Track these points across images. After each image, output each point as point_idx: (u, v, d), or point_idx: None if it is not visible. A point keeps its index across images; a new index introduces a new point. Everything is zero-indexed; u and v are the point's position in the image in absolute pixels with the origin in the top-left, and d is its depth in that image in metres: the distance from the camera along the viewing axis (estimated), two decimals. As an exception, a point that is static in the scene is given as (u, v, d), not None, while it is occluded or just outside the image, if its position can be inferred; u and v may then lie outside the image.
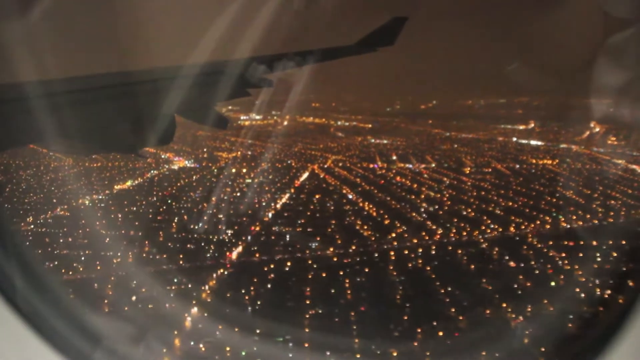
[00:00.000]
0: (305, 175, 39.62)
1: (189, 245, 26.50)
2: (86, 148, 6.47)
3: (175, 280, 23.00)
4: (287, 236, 27.61)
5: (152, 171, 40.84)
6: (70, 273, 23.82)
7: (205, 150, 48.40)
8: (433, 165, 43.07)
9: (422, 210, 31.70)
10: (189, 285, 22.58)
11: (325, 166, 42.51)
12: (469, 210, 31.51)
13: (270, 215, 30.91)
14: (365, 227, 28.61)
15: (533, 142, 51.48)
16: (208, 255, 25.66)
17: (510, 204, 32.63)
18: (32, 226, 29.44)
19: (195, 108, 6.28)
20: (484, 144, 51.36)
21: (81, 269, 24.24)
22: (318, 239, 27.06)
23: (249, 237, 27.57)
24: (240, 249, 26.40)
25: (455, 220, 29.73)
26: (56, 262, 24.80)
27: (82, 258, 25.38)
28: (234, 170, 41.09)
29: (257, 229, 28.79)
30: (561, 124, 55.59)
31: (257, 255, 25.37)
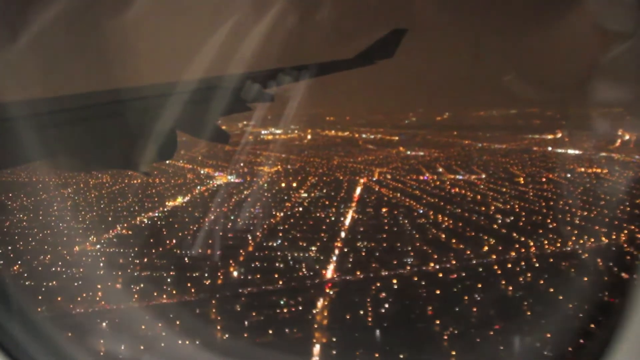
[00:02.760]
0: (360, 188, 38.32)
1: (277, 264, 24.95)
2: (87, 164, 6.47)
3: (282, 303, 21.43)
4: (377, 252, 26.24)
5: (198, 187, 39.18)
6: (164, 296, 22.14)
7: (242, 165, 46.84)
8: (483, 176, 42.14)
9: (500, 222, 30.63)
10: (300, 308, 21.05)
11: (375, 179, 41.28)
12: (548, 220, 30.54)
13: (344, 231, 29.49)
14: (454, 241, 27.38)
15: (570, 151, 50.99)
16: (302, 274, 24.14)
17: (586, 213, 31.68)
18: (98, 246, 27.61)
19: (196, 123, 6.25)
20: (523, 154, 50.71)
21: (174, 292, 22.53)
22: (412, 254, 25.75)
23: (336, 255, 26.13)
24: (332, 267, 24.94)
25: (541, 231, 28.69)
26: (142, 285, 23.16)
27: (169, 280, 23.70)
28: (283, 185, 39.66)
29: (340, 244, 27.37)
30: (587, 133, 55.27)
31: (358, 273, 23.92)
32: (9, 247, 26.70)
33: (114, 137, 5.56)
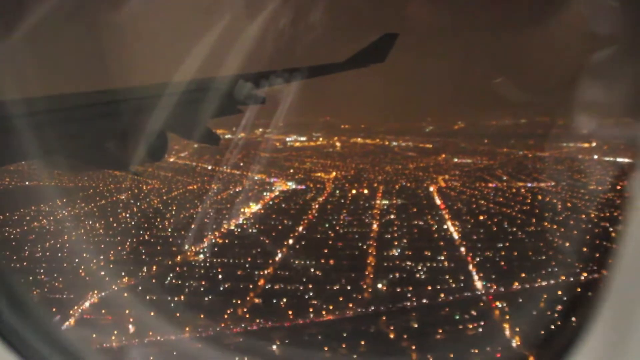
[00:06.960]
0: (436, 196, 36.45)
1: (417, 276, 22.75)
2: (80, 165, 6.45)
3: (456, 318, 19.18)
4: (513, 262, 24.32)
5: (265, 193, 36.62)
6: (322, 313, 19.65)
7: (292, 171, 44.51)
8: (552, 183, 40.91)
9: (612, 229, 29.18)
10: (481, 323, 18.88)
11: (445, 185, 39.50)
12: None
13: (457, 239, 27.44)
14: (584, 250, 25.66)
15: (619, 160, 50.41)
16: (452, 286, 21.97)
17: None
18: (200, 256, 24.83)
19: (186, 124, 6.27)
20: (573, 162, 49.70)
21: (331, 308, 20.02)
22: (552, 263, 23.91)
23: (470, 265, 24.09)
24: (475, 278, 22.88)
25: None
26: (260, 302, 20.59)
27: (283, 298, 21.17)
28: (354, 192, 37.41)
29: (464, 253, 25.36)
30: (621, 142, 54.93)
31: (515, 284, 21.92)
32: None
33: (106, 137, 5.51)
